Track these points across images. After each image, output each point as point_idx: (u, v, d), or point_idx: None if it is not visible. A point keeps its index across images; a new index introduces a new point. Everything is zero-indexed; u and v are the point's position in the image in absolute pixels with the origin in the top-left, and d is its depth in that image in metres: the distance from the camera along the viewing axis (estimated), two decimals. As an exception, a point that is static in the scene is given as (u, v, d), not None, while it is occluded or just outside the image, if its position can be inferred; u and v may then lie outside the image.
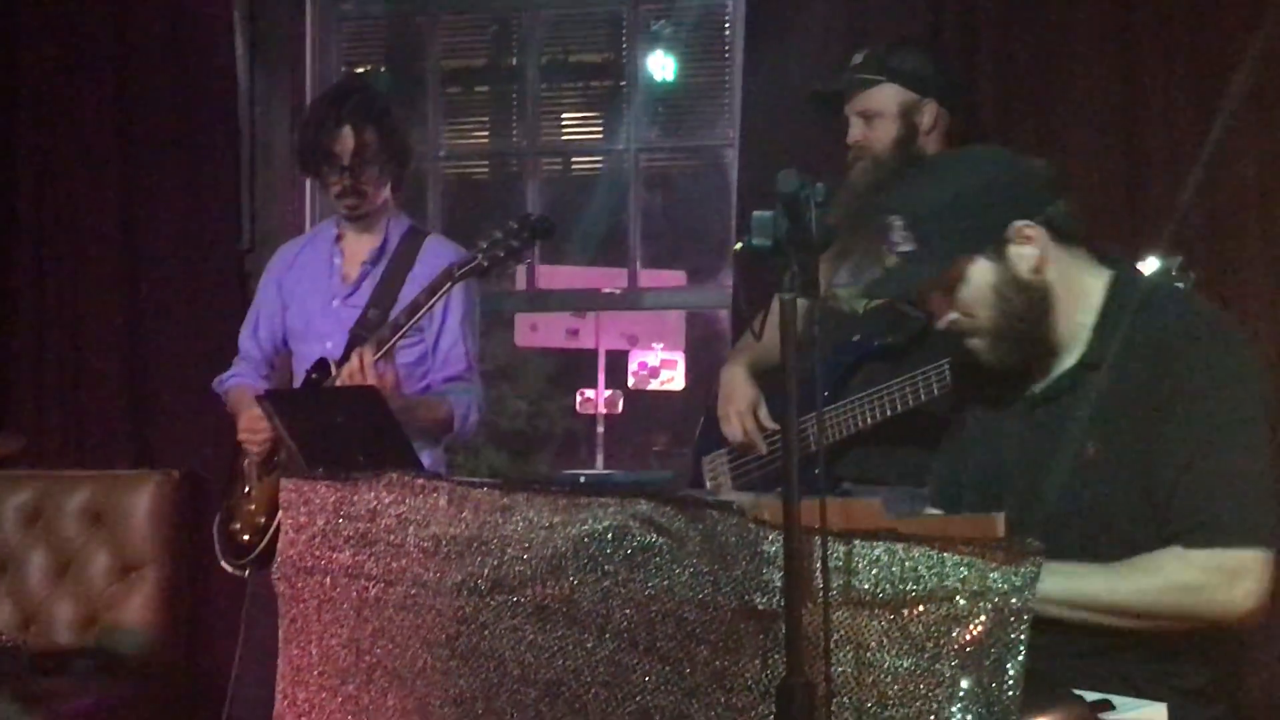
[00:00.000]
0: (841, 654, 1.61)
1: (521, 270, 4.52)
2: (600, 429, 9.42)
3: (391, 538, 2.02)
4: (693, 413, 3.55)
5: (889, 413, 2.86)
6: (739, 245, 1.75)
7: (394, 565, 2.01)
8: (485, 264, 2.97)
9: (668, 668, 1.73)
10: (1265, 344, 3.47)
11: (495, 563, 1.90)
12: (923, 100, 3.05)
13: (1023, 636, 1.54)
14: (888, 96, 3.05)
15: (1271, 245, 3.54)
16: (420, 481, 2.03)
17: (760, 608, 1.66)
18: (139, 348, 4.20)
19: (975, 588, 1.56)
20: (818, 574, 1.60)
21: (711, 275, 6.09)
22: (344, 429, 2.45)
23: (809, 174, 1.66)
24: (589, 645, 1.80)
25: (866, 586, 1.61)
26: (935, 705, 1.55)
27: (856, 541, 1.62)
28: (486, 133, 5.02)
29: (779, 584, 1.62)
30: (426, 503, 2.00)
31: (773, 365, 2.90)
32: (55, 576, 3.72)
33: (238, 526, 3.21)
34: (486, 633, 1.90)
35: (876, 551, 1.62)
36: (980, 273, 2.09)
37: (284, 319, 3.46)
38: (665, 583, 1.74)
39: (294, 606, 2.13)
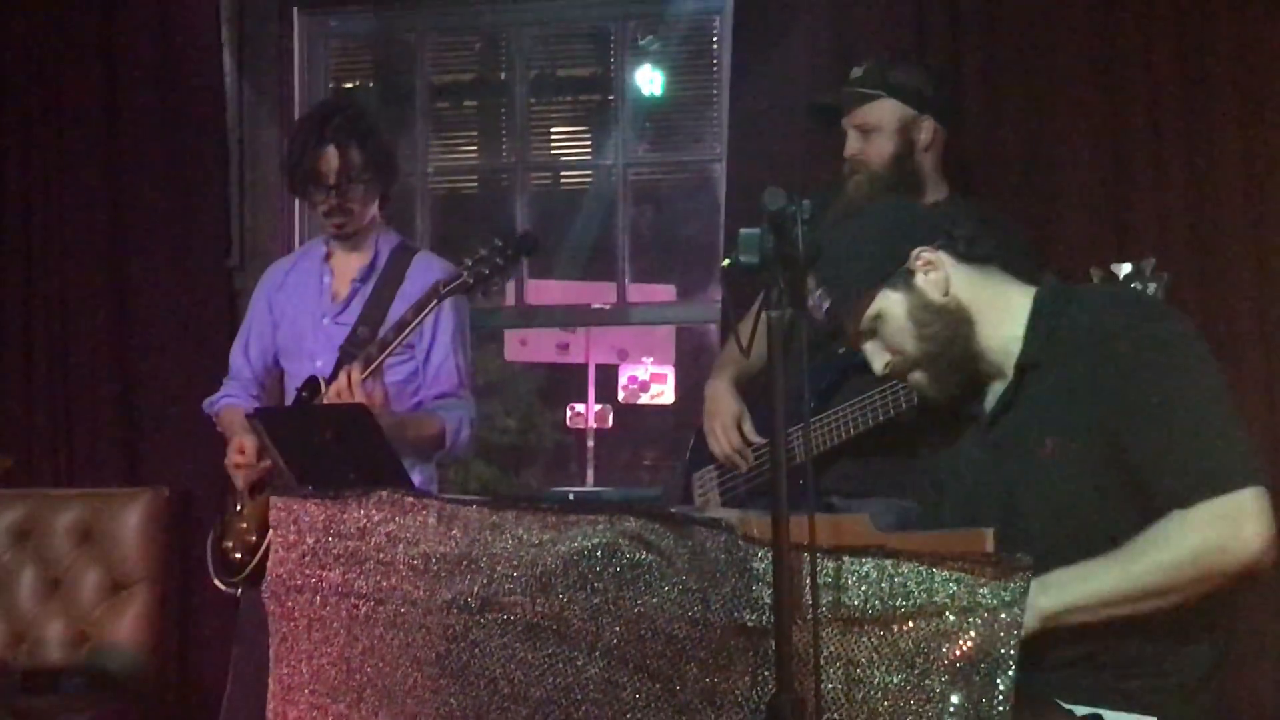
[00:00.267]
0: (831, 670, 1.62)
1: (511, 285, 4.51)
2: (590, 443, 9.40)
3: (381, 556, 2.03)
4: (683, 426, 3.55)
5: (869, 424, 2.85)
6: (726, 262, 1.75)
7: (384, 583, 2.01)
8: (471, 281, 2.96)
9: (658, 685, 1.73)
10: (1249, 347, 3.48)
11: (485, 580, 1.91)
12: (921, 117, 3.05)
13: (1013, 651, 1.54)
14: (887, 111, 3.05)
15: (1257, 249, 3.56)
16: (410, 500, 2.03)
17: (750, 624, 1.66)
18: (128, 365, 4.19)
19: (965, 603, 1.57)
20: (807, 590, 1.60)
21: (701, 289, 6.08)
22: (334, 447, 2.44)
23: (795, 190, 1.67)
24: (579, 663, 1.80)
25: (856, 603, 1.62)
26: (925, 721, 1.56)
27: (845, 558, 1.63)
28: (475, 148, 5.00)
29: (768, 601, 1.63)
30: (416, 521, 2.01)
31: (757, 377, 2.89)
32: (45, 595, 3.70)
33: (230, 544, 3.20)
34: (477, 650, 1.90)
35: (866, 567, 1.63)
36: (893, 304, 2.18)
37: (274, 337, 3.45)
38: (655, 600, 1.74)
39: (284, 625, 2.14)
